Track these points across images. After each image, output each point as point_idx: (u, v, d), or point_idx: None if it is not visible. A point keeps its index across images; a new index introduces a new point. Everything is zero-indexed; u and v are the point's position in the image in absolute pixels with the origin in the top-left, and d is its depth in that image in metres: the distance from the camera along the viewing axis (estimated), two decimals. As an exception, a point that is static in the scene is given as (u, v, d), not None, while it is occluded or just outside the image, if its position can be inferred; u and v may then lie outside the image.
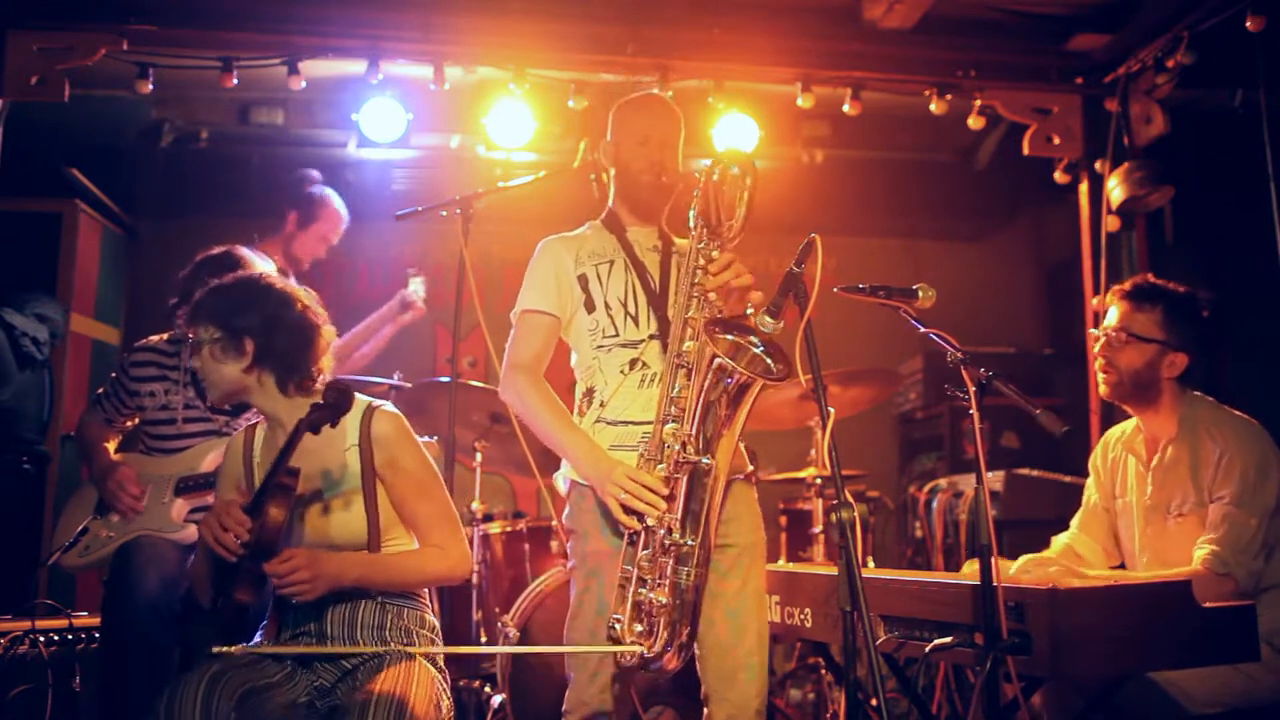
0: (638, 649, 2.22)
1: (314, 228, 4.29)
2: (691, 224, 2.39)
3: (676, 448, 2.23)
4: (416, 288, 4.42)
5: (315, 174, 4.47)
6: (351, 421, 2.37)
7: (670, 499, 2.23)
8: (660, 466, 2.25)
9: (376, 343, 4.39)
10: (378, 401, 2.43)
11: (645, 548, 2.25)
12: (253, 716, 2.12)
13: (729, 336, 2.30)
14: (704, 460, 2.22)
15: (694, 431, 2.23)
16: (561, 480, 2.53)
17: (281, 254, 4.16)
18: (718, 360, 2.20)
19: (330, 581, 2.21)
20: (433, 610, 2.46)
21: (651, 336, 2.45)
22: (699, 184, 2.39)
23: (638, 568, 2.25)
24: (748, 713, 2.33)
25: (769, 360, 2.29)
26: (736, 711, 2.34)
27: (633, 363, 2.44)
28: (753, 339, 2.30)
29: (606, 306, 2.47)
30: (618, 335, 2.46)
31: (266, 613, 2.40)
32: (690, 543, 2.22)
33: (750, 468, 2.51)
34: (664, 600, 2.21)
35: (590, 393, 2.48)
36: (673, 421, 2.27)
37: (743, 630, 2.37)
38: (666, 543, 2.23)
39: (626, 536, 2.28)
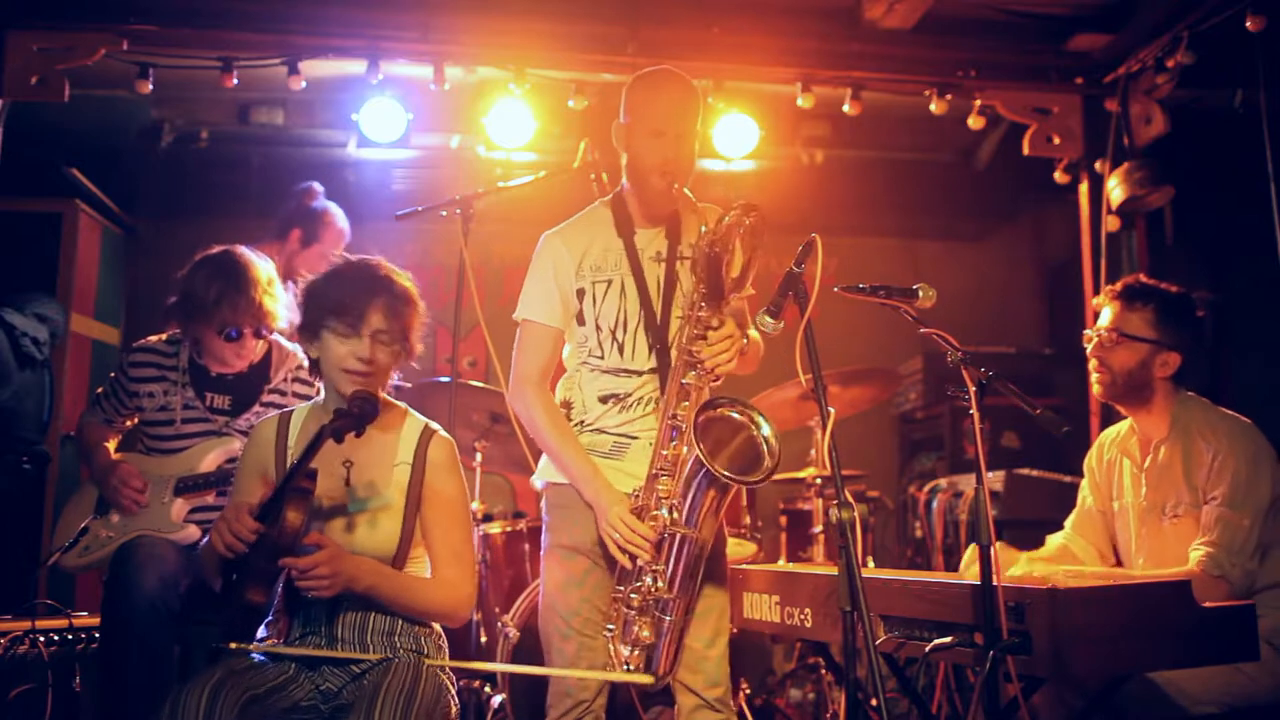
0: (639, 679, 2.35)
1: (316, 247, 4.31)
2: (691, 271, 2.40)
3: (665, 514, 2.31)
4: None
5: (318, 187, 4.46)
6: (406, 439, 2.41)
7: (659, 552, 2.32)
8: (652, 521, 2.33)
9: None
10: (434, 425, 2.47)
11: (636, 580, 2.35)
12: None
13: (732, 413, 2.33)
14: (690, 532, 2.31)
15: (681, 505, 2.31)
16: (538, 480, 2.57)
17: (281, 264, 4.16)
18: (702, 463, 2.23)
19: (346, 582, 2.22)
20: None
21: (650, 370, 2.47)
22: (708, 225, 2.36)
23: (627, 600, 2.36)
24: (708, 698, 2.45)
25: (763, 447, 2.30)
26: (699, 699, 2.45)
27: (614, 397, 2.48)
28: (755, 419, 2.32)
29: (597, 328, 2.49)
30: (603, 359, 2.49)
31: (272, 610, 2.39)
32: (675, 598, 2.33)
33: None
34: (649, 636, 2.35)
35: (568, 405, 2.53)
36: (665, 476, 2.34)
37: (701, 625, 2.46)
38: (653, 593, 2.33)
39: (619, 568, 2.38)
